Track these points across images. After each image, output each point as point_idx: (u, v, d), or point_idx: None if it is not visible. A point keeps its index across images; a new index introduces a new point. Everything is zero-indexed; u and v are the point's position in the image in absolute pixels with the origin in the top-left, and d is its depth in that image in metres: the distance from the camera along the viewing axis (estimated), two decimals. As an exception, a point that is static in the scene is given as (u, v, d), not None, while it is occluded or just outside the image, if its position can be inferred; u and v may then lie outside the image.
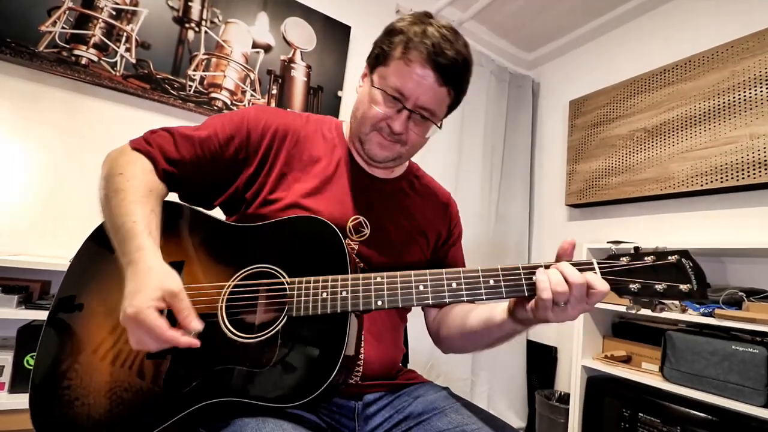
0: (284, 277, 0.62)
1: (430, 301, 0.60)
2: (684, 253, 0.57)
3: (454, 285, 0.60)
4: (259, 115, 0.78)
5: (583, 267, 0.58)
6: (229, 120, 0.76)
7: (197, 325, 0.55)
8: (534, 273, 0.59)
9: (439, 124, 0.76)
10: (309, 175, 0.77)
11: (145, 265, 0.55)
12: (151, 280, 0.54)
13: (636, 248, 0.60)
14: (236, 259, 0.65)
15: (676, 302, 0.58)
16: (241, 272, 0.64)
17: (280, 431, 0.53)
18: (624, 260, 0.59)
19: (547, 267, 0.59)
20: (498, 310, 0.69)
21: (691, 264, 0.56)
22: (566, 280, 0.55)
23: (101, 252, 0.66)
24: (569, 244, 0.60)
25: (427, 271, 0.62)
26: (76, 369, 0.59)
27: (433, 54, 0.67)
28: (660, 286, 0.56)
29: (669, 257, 0.57)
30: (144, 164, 0.68)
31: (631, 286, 0.57)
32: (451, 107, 0.78)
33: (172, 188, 0.72)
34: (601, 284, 0.55)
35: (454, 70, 0.70)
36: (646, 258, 0.58)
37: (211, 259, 0.66)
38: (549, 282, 0.55)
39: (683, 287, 0.55)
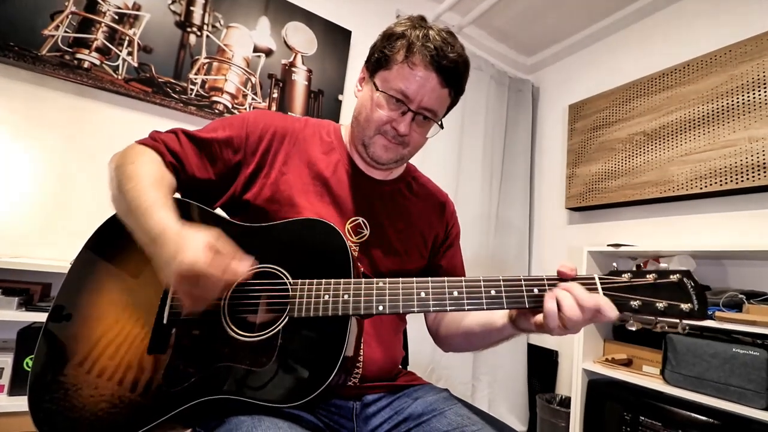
0: (287, 278, 0.63)
1: (431, 308, 0.61)
2: (686, 273, 0.57)
3: (455, 293, 0.60)
4: (258, 117, 0.79)
5: (585, 283, 0.58)
6: (229, 123, 0.77)
7: (247, 263, 0.56)
8: (536, 285, 0.59)
9: (440, 124, 0.77)
10: (308, 177, 0.77)
11: (176, 229, 0.56)
12: (190, 237, 0.54)
13: (638, 266, 0.62)
14: None
15: (677, 322, 0.58)
16: None
17: (275, 429, 0.53)
18: (626, 277, 0.59)
19: (549, 280, 0.59)
20: (498, 315, 0.70)
21: (692, 284, 0.56)
22: (579, 304, 0.54)
23: (99, 255, 0.67)
24: (571, 270, 0.60)
25: (429, 278, 0.62)
26: (75, 369, 0.59)
27: (436, 57, 0.69)
28: (661, 305, 0.56)
29: (671, 276, 0.57)
30: (152, 156, 0.69)
31: (632, 302, 0.57)
32: (450, 107, 0.80)
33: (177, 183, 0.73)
34: (610, 310, 0.54)
35: (455, 72, 0.72)
36: (647, 276, 0.58)
37: None
38: (557, 309, 0.55)
39: (684, 306, 0.55)
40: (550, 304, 0.56)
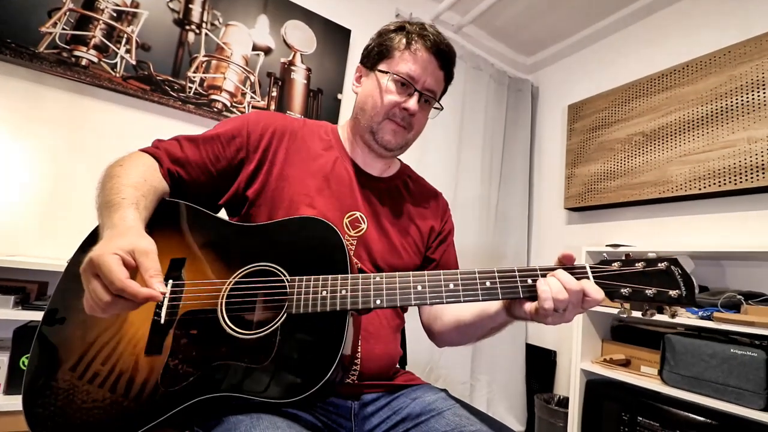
0: (285, 276, 0.62)
1: (428, 301, 0.61)
2: (673, 261, 0.59)
3: (451, 286, 0.61)
4: (258, 117, 0.82)
5: (577, 272, 0.60)
6: (230, 123, 0.80)
7: (161, 286, 0.50)
8: (529, 276, 0.61)
9: (439, 105, 0.85)
10: (307, 173, 0.79)
11: (124, 226, 0.55)
12: (125, 237, 0.52)
13: (627, 254, 0.63)
14: (238, 257, 0.66)
15: (667, 308, 0.59)
16: (242, 270, 0.64)
17: (274, 429, 0.52)
18: (615, 265, 0.61)
19: (542, 270, 0.61)
20: (491, 303, 0.70)
21: (679, 271, 0.58)
22: (564, 288, 0.57)
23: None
24: (570, 256, 0.63)
25: (425, 272, 0.63)
26: (69, 372, 0.58)
27: (435, 43, 0.79)
28: (650, 291, 0.58)
29: (659, 264, 0.59)
30: (147, 161, 0.70)
31: (622, 290, 0.59)
32: (443, 92, 0.88)
33: (176, 190, 0.73)
34: (595, 292, 0.57)
35: (449, 57, 0.82)
36: (636, 264, 0.60)
37: (212, 257, 0.66)
38: (550, 291, 0.57)
39: (672, 293, 0.57)
40: (543, 286, 0.58)
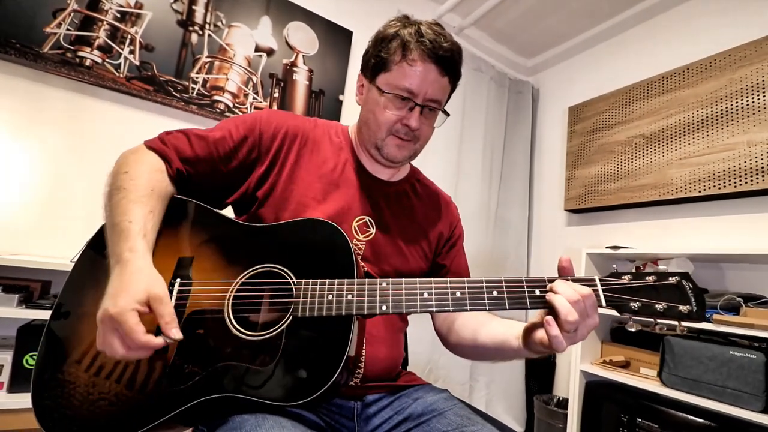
0: (291, 278, 0.63)
1: (434, 309, 0.61)
2: (685, 275, 0.58)
3: (458, 294, 0.61)
4: (270, 117, 0.80)
5: (585, 284, 0.59)
6: (242, 122, 0.78)
7: (177, 334, 0.54)
8: (537, 286, 0.60)
9: (445, 111, 0.80)
10: (317, 176, 0.79)
11: (134, 266, 0.56)
12: (138, 282, 0.54)
13: (637, 268, 0.62)
14: (245, 257, 0.66)
15: (676, 324, 0.59)
16: (249, 271, 0.65)
17: (279, 428, 0.53)
18: (626, 279, 0.60)
19: (550, 280, 0.60)
20: (513, 336, 0.69)
21: (691, 286, 0.57)
22: (570, 301, 0.55)
23: (102, 253, 0.66)
24: (567, 261, 0.61)
25: (432, 279, 0.63)
26: (76, 367, 0.59)
27: (432, 49, 0.72)
28: (660, 306, 0.57)
29: (670, 278, 0.58)
30: (154, 163, 0.68)
31: (632, 304, 0.58)
32: (450, 93, 0.82)
33: (183, 188, 0.73)
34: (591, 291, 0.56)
35: (451, 60, 0.75)
36: (647, 278, 0.59)
37: (220, 257, 0.67)
38: (558, 331, 0.55)
39: (683, 308, 0.56)
40: (554, 331, 0.56)
